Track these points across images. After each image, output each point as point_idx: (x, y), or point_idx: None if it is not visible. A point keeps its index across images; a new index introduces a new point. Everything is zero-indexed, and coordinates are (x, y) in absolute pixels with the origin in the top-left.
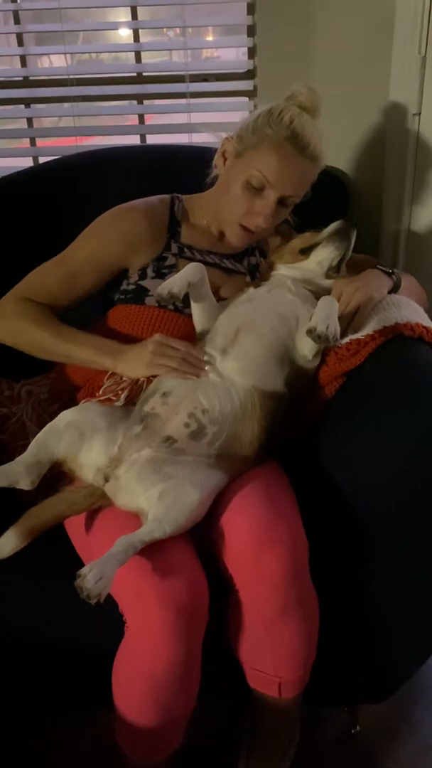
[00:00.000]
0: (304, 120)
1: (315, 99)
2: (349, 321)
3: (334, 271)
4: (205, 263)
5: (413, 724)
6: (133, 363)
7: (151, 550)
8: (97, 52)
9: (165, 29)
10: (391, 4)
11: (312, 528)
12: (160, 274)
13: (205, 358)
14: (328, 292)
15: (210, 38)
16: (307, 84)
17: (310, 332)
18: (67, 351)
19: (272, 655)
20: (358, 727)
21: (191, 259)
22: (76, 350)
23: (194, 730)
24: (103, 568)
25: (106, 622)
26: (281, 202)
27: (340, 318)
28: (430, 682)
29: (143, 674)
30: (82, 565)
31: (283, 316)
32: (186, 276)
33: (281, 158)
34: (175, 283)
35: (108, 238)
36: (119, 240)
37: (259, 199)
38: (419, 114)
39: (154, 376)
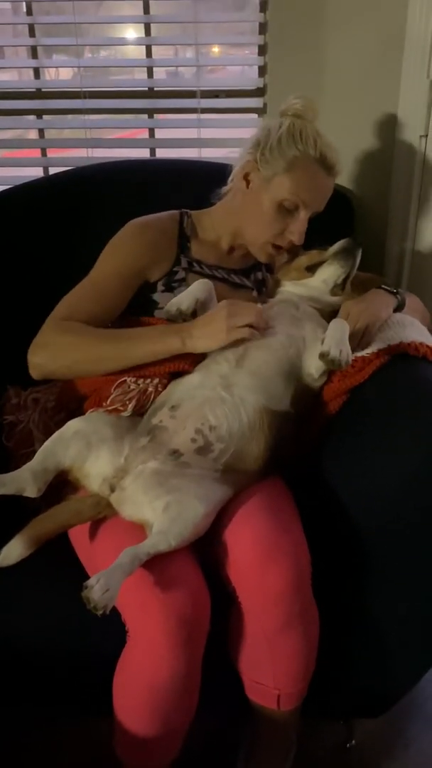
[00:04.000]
0: (325, 139)
1: (314, 106)
2: (358, 340)
3: (339, 288)
4: (214, 278)
5: (408, 740)
6: (209, 336)
7: (155, 562)
8: (108, 66)
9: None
10: (401, 27)
11: (313, 542)
12: (170, 288)
13: (220, 367)
14: (333, 308)
15: (216, 49)
16: (298, 95)
17: (323, 356)
18: (124, 351)
19: (273, 667)
20: (353, 741)
21: (200, 274)
22: (135, 346)
23: (192, 741)
24: (110, 580)
25: (108, 630)
26: None
27: (349, 338)
28: (424, 698)
29: (144, 684)
30: (85, 573)
31: (291, 336)
32: (194, 293)
33: (313, 180)
34: (183, 301)
35: (131, 253)
36: (142, 253)
37: (292, 219)
38: (426, 136)
39: (164, 388)
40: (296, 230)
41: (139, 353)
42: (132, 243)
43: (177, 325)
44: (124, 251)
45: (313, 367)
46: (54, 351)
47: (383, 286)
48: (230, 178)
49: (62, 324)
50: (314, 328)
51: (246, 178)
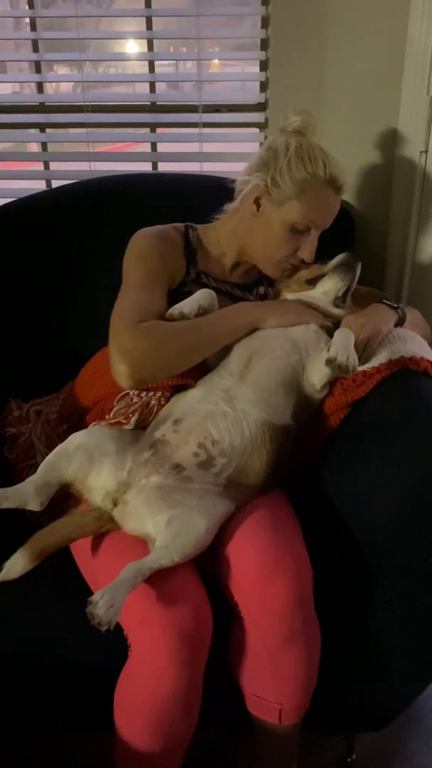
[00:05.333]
0: (331, 158)
1: (314, 121)
2: (359, 354)
3: (340, 300)
4: (218, 291)
5: (408, 755)
6: (281, 314)
7: (157, 577)
8: (112, 81)
9: (171, 48)
10: (402, 43)
11: (314, 556)
12: (177, 300)
13: (222, 381)
14: (334, 321)
15: (216, 61)
16: (298, 110)
17: (330, 362)
18: (210, 335)
19: (274, 682)
20: (354, 756)
21: (206, 286)
22: (218, 327)
23: (193, 755)
24: (114, 595)
25: (110, 645)
26: None
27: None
28: (425, 713)
29: (146, 699)
30: (87, 587)
31: (295, 342)
32: (197, 300)
33: (324, 202)
34: (186, 305)
35: (155, 256)
36: (164, 258)
37: (303, 239)
38: (426, 152)
39: (166, 401)
40: (307, 249)
41: (223, 333)
42: (153, 248)
43: (243, 303)
44: (148, 256)
45: (316, 377)
46: (146, 354)
47: (384, 300)
48: (239, 198)
49: (141, 326)
50: (317, 338)
51: (256, 201)
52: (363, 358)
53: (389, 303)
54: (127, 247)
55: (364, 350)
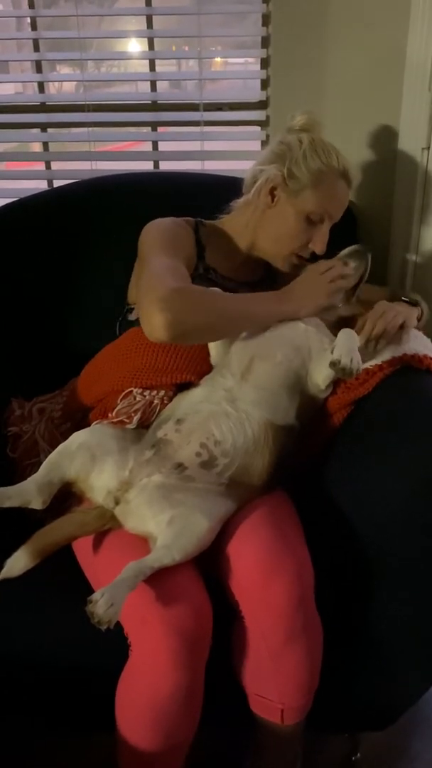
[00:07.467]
0: (342, 154)
1: (319, 120)
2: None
3: (350, 294)
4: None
5: (413, 754)
6: (309, 299)
7: (157, 576)
8: (113, 80)
9: (174, 47)
10: (403, 41)
11: (315, 555)
12: None
13: (225, 381)
14: (340, 318)
15: (218, 59)
16: (303, 110)
17: (334, 365)
18: (248, 308)
19: (276, 682)
20: (359, 754)
21: (213, 282)
22: (256, 305)
23: (195, 755)
24: (114, 594)
25: (111, 644)
26: None
27: (385, 333)
28: (429, 712)
29: (147, 699)
30: (89, 586)
31: (297, 347)
32: None
33: (337, 192)
34: None
35: (173, 239)
36: (180, 241)
37: (316, 230)
38: (428, 149)
39: (169, 400)
40: (319, 241)
41: (260, 315)
42: (170, 231)
43: (276, 293)
44: (167, 236)
45: (320, 378)
46: (187, 307)
47: (403, 297)
48: (253, 190)
49: (182, 284)
50: (320, 339)
51: (272, 192)
52: (394, 340)
53: (408, 300)
54: (141, 236)
55: (402, 335)
